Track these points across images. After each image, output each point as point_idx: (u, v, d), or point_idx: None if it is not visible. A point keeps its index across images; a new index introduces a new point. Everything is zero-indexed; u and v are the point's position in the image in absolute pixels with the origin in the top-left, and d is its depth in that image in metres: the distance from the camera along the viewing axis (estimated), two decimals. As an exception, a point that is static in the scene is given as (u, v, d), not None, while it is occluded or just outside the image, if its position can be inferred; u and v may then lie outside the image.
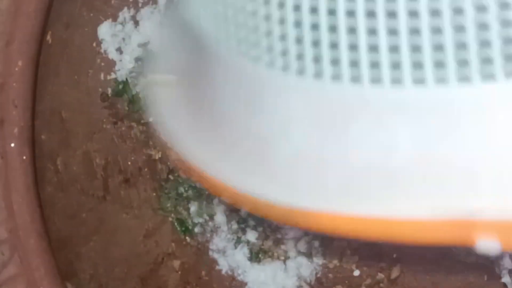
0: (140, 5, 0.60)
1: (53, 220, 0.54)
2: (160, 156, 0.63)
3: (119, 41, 0.60)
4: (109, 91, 0.60)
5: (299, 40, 0.27)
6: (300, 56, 0.28)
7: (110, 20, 0.59)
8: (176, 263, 0.63)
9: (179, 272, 0.63)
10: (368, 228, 0.28)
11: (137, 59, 0.61)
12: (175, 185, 0.63)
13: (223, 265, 0.64)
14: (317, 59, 0.27)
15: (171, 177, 0.63)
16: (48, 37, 0.54)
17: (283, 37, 0.28)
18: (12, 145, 0.50)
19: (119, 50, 0.60)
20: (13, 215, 0.50)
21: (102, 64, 0.60)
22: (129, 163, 0.62)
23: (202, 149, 0.35)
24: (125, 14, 0.60)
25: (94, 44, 0.59)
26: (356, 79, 0.27)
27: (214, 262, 0.64)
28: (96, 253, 0.58)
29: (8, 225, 0.49)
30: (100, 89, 0.60)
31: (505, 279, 0.55)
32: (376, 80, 0.26)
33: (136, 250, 0.61)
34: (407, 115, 0.27)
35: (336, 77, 0.27)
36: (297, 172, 0.30)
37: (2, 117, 0.50)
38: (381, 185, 0.28)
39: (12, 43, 0.50)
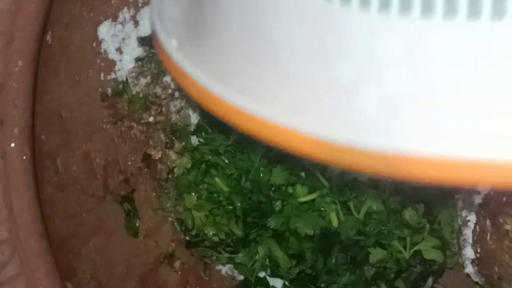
0: (140, 5, 0.60)
1: (53, 220, 0.54)
2: (160, 156, 0.63)
3: (119, 41, 0.60)
4: (109, 91, 0.60)
5: None
6: None
7: (110, 20, 0.59)
8: (176, 263, 0.63)
9: (179, 272, 0.63)
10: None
11: (137, 59, 0.61)
12: (175, 185, 0.63)
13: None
14: None
15: (171, 177, 0.63)
16: (48, 37, 0.54)
17: None
18: (12, 145, 0.50)
19: (119, 50, 0.60)
20: (13, 215, 0.50)
21: (102, 64, 0.60)
22: (129, 163, 0.62)
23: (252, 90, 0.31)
24: (125, 14, 0.60)
25: (94, 44, 0.59)
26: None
27: (214, 262, 0.64)
28: (96, 253, 0.58)
29: (8, 225, 0.49)
30: (100, 89, 0.60)
31: (468, 269, 0.56)
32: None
33: (136, 250, 0.61)
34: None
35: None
36: (390, 113, 0.28)
37: (2, 117, 0.50)
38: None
39: (12, 43, 0.50)
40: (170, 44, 0.34)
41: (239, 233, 0.60)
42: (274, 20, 0.30)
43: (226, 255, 0.62)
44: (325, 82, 0.29)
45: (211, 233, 0.61)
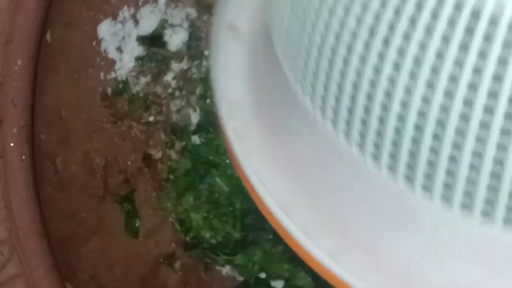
0: (140, 3, 0.60)
1: (53, 220, 0.54)
2: (160, 156, 0.63)
3: (119, 40, 0.60)
4: (109, 90, 0.60)
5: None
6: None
7: (110, 19, 0.59)
8: (177, 264, 0.63)
9: (180, 273, 0.63)
10: None
11: (137, 58, 0.61)
12: (175, 185, 0.63)
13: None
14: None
15: (171, 177, 0.63)
16: (48, 36, 0.54)
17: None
18: (12, 144, 0.50)
19: (119, 49, 0.60)
20: (12, 215, 0.50)
21: (102, 63, 0.60)
22: (129, 163, 0.62)
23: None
24: (125, 12, 0.60)
25: (94, 43, 0.59)
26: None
27: (215, 262, 0.64)
28: (95, 253, 0.58)
29: (8, 225, 0.49)
30: (100, 89, 0.60)
31: None
32: None
33: (136, 250, 0.61)
34: None
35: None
36: None
37: (2, 116, 0.50)
38: None
39: (12, 42, 0.50)
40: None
41: (236, 235, 0.60)
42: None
43: (224, 257, 0.61)
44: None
45: (208, 235, 0.61)
